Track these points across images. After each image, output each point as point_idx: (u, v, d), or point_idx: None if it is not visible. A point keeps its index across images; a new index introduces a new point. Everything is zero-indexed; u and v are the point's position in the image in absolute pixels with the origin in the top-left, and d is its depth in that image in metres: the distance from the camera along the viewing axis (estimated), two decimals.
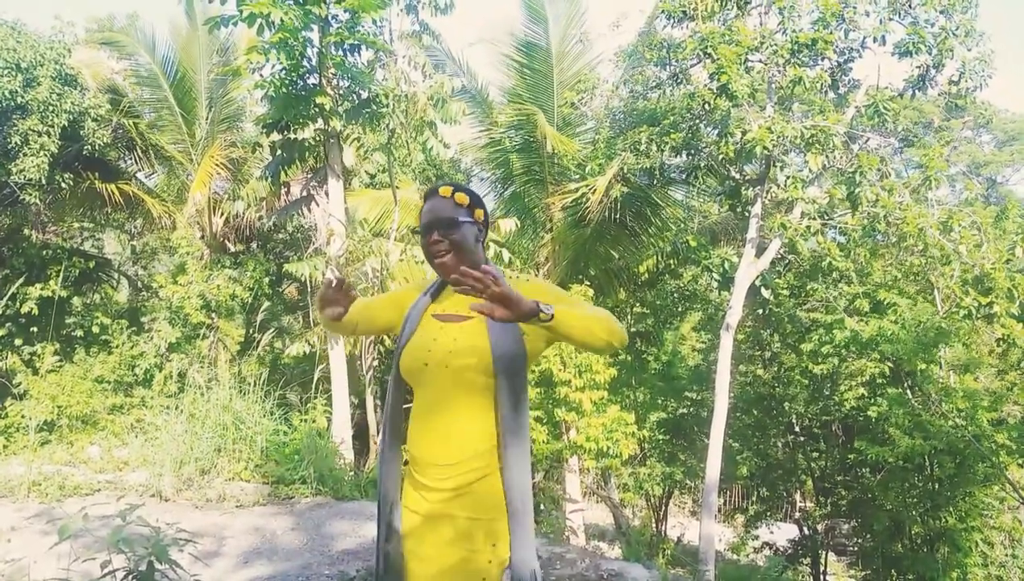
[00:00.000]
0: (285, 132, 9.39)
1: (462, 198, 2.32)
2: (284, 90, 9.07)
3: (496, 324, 2.17)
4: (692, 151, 11.23)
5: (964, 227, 9.74)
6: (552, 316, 2.01)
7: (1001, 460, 10.49)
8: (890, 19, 10.37)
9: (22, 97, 9.67)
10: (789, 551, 15.16)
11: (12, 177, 9.89)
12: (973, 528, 11.43)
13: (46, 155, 9.86)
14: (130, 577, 3.26)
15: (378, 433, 10.98)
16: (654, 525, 16.89)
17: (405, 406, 2.43)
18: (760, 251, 10.94)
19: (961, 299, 9.73)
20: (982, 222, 9.96)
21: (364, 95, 9.79)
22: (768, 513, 16.66)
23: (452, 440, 2.22)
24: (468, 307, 2.18)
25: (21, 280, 10.55)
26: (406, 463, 2.38)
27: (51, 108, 9.89)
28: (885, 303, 11.90)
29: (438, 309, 2.34)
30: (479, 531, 2.21)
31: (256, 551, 5.48)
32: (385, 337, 12.53)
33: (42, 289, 10.63)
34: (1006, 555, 11.95)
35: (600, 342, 2.14)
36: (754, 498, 18.00)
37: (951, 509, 11.38)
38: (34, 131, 9.77)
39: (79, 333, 11.36)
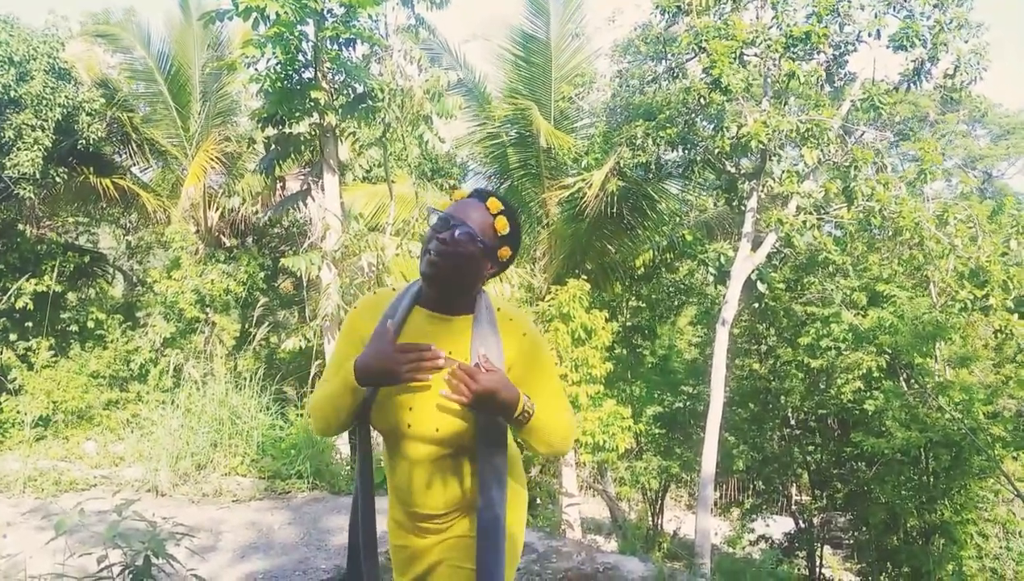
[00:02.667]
0: (280, 126, 9.37)
1: (501, 226, 2.02)
2: (279, 84, 9.04)
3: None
4: (688, 145, 11.23)
5: (959, 220, 9.77)
6: (528, 419, 1.94)
7: (996, 453, 10.53)
8: (885, 12, 10.38)
9: (15, 91, 9.63)
10: (785, 544, 15.20)
11: (6, 171, 9.84)
12: (968, 521, 11.47)
13: (40, 149, 9.82)
14: (127, 572, 3.26)
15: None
16: (650, 519, 16.92)
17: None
18: (756, 245, 10.96)
19: (956, 292, 9.76)
20: (979, 216, 9.99)
21: (359, 89, 9.77)
22: (764, 506, 16.70)
23: (438, 494, 2.09)
24: (445, 340, 2.02)
25: (19, 277, 10.54)
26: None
27: (45, 102, 9.84)
28: (884, 295, 11.93)
29: (405, 340, 2.02)
30: (462, 555, 2.13)
31: (253, 546, 5.48)
32: None
33: (37, 284, 10.60)
34: (1001, 547, 11.99)
35: (545, 451, 2.06)
36: (750, 491, 18.05)
37: (946, 502, 11.42)
38: (28, 125, 9.73)
39: (74, 328, 11.33)
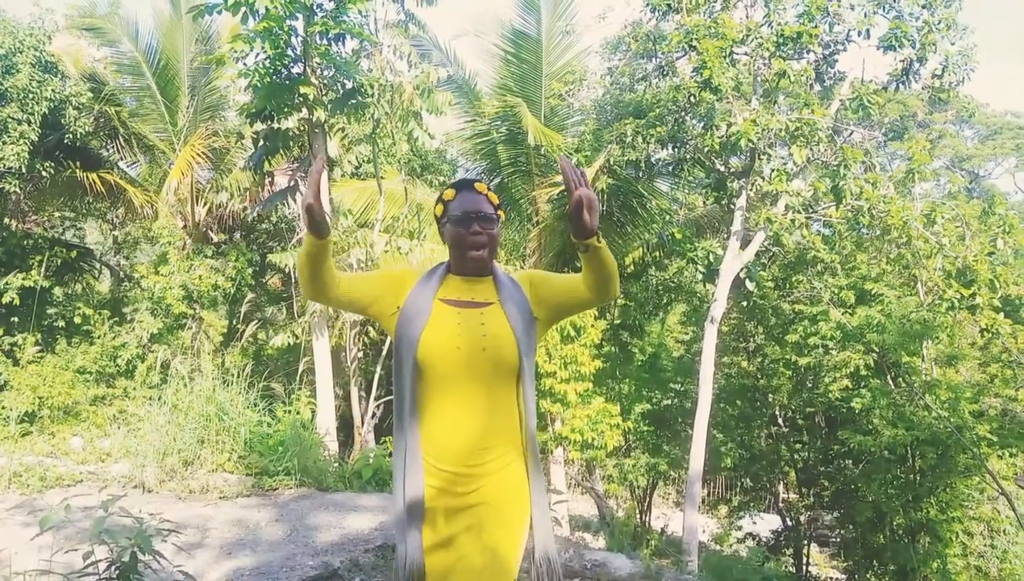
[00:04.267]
0: (269, 122, 9.32)
1: (493, 198, 2.43)
2: (268, 79, 8.99)
3: (512, 309, 2.31)
4: (678, 144, 11.24)
5: (947, 220, 9.82)
6: (600, 243, 2.18)
7: (982, 451, 10.60)
8: (874, 13, 10.41)
9: (1, 84, 9.55)
10: (772, 542, 15.27)
11: None
12: (953, 519, 11.55)
13: (26, 143, 9.75)
14: (113, 568, 3.24)
15: (363, 425, 10.97)
16: (638, 516, 16.95)
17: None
18: (745, 243, 10.98)
19: (944, 291, 9.81)
20: (966, 215, 10.04)
21: (349, 85, 9.74)
22: (751, 504, 16.76)
23: (487, 424, 2.27)
24: (479, 294, 2.37)
25: (5, 272, 10.47)
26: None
27: (31, 95, 9.77)
28: (872, 294, 11.98)
29: (445, 295, 2.36)
30: (503, 515, 2.27)
31: (239, 542, 5.46)
32: (371, 330, 12.49)
33: (23, 279, 10.52)
34: (985, 545, 12.09)
35: (609, 289, 2.27)
36: (738, 489, 18.11)
37: (932, 500, 11.49)
38: (14, 119, 9.65)
39: (61, 323, 11.26)
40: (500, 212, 2.44)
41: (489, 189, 2.44)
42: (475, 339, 2.26)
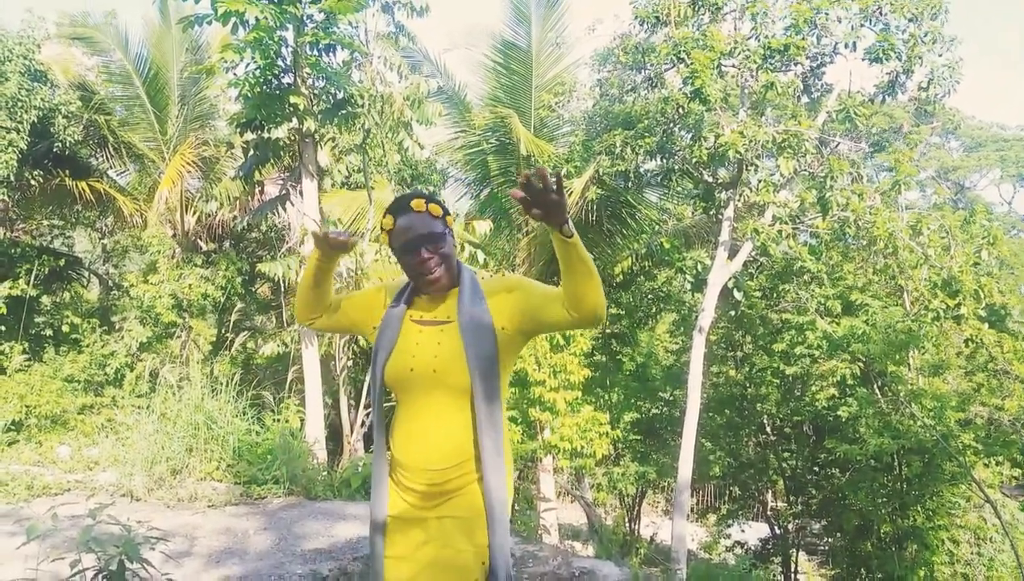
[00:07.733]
0: (259, 131, 9.33)
1: (436, 209, 2.31)
2: (258, 89, 9.01)
3: (469, 327, 2.24)
4: (666, 154, 11.31)
5: (932, 230, 9.91)
6: (572, 235, 2.08)
7: (967, 459, 10.67)
8: (861, 25, 10.52)
9: None
10: (760, 550, 15.30)
11: None
12: (940, 527, 11.61)
13: (15, 152, 9.75)
14: (100, 576, 3.25)
15: (351, 434, 10.97)
16: (627, 524, 16.96)
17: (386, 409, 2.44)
18: (732, 253, 11.05)
19: (929, 301, 9.89)
20: (952, 226, 10.14)
21: (339, 95, 9.77)
22: (740, 512, 16.80)
23: (442, 445, 2.25)
24: (442, 311, 2.31)
25: None
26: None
27: (20, 104, 9.77)
28: (858, 304, 12.06)
29: (415, 314, 2.35)
30: (464, 530, 2.25)
31: (228, 551, 5.46)
32: (361, 339, 12.50)
33: (11, 288, 10.50)
34: (972, 553, 12.14)
35: (591, 301, 2.11)
36: (726, 497, 18.16)
37: (919, 508, 11.55)
38: (2, 127, 9.65)
39: (49, 332, 11.24)
40: (449, 218, 2.34)
41: (428, 199, 2.32)
42: (427, 360, 2.25)
